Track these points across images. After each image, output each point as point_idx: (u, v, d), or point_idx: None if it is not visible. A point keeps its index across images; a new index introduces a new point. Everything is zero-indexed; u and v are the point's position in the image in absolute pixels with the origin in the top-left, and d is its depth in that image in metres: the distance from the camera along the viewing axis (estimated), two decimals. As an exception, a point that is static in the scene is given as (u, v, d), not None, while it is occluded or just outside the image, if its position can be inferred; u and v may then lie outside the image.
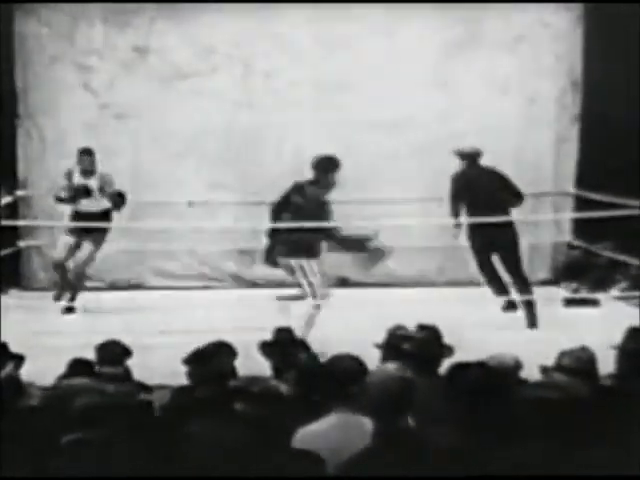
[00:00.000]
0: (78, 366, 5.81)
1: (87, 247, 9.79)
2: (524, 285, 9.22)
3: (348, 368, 4.39)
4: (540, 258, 11.40)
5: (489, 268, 9.36)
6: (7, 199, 10.60)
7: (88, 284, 11.16)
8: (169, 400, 5.04)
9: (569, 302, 10.00)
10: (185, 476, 3.64)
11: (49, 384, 5.67)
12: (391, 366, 5.26)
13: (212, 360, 5.62)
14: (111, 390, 4.82)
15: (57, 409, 4.22)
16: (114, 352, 6.14)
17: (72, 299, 9.86)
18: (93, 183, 9.79)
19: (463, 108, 11.09)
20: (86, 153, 9.81)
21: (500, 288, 9.39)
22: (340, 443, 4.04)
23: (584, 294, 10.25)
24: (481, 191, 9.24)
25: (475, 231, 9.25)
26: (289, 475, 3.61)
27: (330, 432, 4.15)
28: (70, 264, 9.88)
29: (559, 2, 11.08)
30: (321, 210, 8.35)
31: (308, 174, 10.48)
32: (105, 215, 9.89)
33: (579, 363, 5.02)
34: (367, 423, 4.19)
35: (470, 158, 9.38)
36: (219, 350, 5.67)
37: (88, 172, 9.79)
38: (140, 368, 6.19)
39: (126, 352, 6.18)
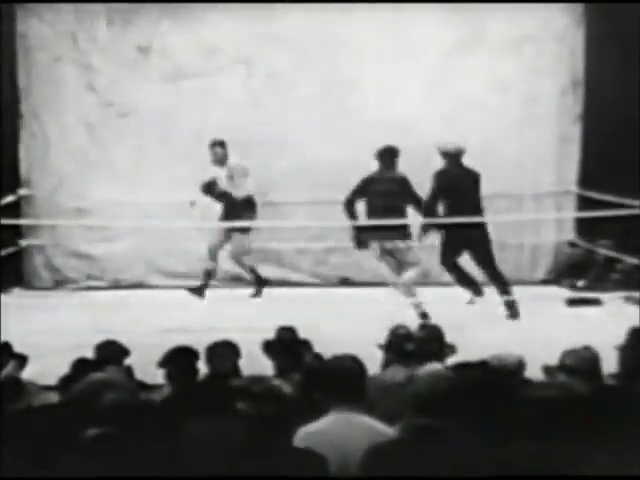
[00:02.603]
0: (82, 365, 5.82)
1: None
2: (500, 281, 9.43)
3: (347, 368, 4.39)
4: (542, 257, 11.41)
5: (456, 266, 9.58)
6: (9, 198, 10.61)
7: (89, 283, 11.21)
8: (170, 399, 5.06)
9: (571, 302, 10.00)
10: (186, 476, 3.64)
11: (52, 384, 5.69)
12: (437, 366, 5.28)
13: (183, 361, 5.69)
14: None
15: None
16: (112, 352, 6.15)
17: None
18: (222, 173, 10.19)
19: (466, 108, 11.09)
20: (218, 145, 10.18)
21: (471, 285, 9.66)
22: (340, 442, 4.05)
23: (586, 293, 10.24)
24: (463, 190, 9.32)
25: (450, 230, 9.33)
26: (292, 474, 3.61)
27: (330, 431, 4.16)
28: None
29: (561, 2, 11.08)
30: None
31: (308, 173, 10.56)
32: (249, 201, 10.19)
33: (582, 363, 5.02)
34: (366, 422, 4.20)
35: (453, 157, 9.45)
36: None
37: (219, 163, 10.20)
38: (141, 367, 6.19)
39: (124, 352, 6.19)
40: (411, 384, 4.23)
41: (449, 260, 9.54)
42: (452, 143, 9.52)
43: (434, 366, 5.41)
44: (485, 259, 9.40)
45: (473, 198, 9.39)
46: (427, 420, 3.84)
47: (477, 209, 9.35)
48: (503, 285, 9.43)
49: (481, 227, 9.33)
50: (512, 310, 9.27)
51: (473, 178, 9.50)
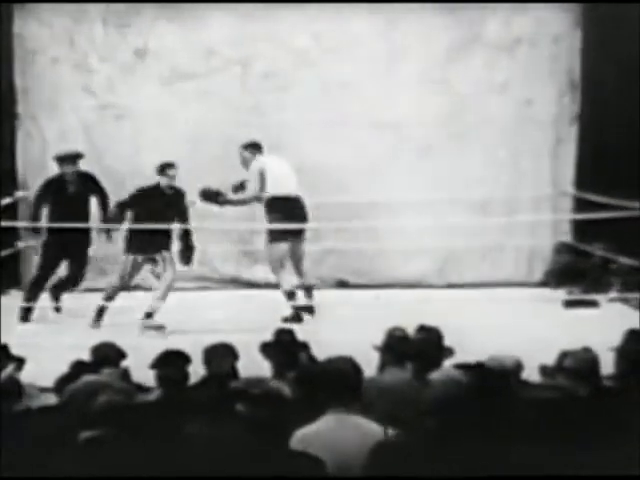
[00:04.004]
0: (79, 367, 5.82)
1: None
2: None
3: (343, 370, 4.40)
4: (539, 259, 11.41)
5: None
6: (7, 200, 10.60)
7: (86, 285, 11.19)
8: (167, 401, 5.06)
9: (569, 303, 10.01)
10: (186, 477, 3.64)
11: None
12: (452, 370, 5.28)
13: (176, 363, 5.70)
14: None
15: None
16: (108, 354, 6.15)
17: None
18: None
19: (462, 109, 11.10)
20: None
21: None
22: (336, 443, 4.06)
23: (583, 295, 10.24)
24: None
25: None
26: (290, 476, 3.62)
27: (326, 433, 4.16)
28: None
29: (558, 2, 11.08)
30: None
31: (306, 174, 10.53)
32: None
33: (582, 364, 5.02)
34: (363, 423, 4.21)
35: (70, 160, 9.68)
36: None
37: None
38: (139, 369, 6.19)
39: (120, 354, 6.19)
40: (427, 388, 4.24)
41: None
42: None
43: (449, 370, 5.38)
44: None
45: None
46: (432, 422, 3.84)
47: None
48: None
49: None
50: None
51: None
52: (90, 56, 11.05)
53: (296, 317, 9.21)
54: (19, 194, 10.98)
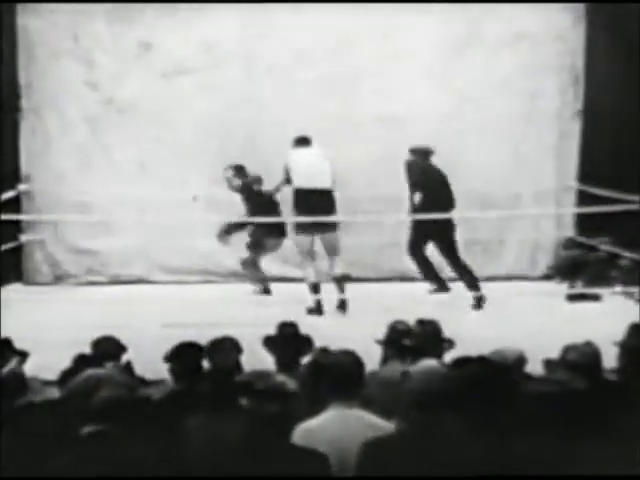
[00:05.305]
0: (82, 361, 5.82)
1: None
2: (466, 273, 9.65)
3: (345, 364, 4.40)
4: (543, 253, 11.42)
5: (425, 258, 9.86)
6: (10, 193, 10.62)
7: (90, 278, 11.22)
8: (172, 395, 5.07)
9: (571, 297, 10.01)
10: (186, 475, 3.64)
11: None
12: (432, 362, 5.28)
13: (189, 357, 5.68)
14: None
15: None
16: (109, 348, 6.15)
17: None
18: None
19: (465, 105, 11.09)
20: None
21: (437, 280, 9.90)
22: (338, 438, 4.07)
23: (586, 289, 10.24)
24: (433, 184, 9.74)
25: (416, 221, 9.70)
26: (294, 473, 3.62)
27: (328, 427, 4.17)
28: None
29: (561, 2, 11.08)
30: None
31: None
32: None
33: (583, 358, 5.02)
34: (365, 417, 4.22)
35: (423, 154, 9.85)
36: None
37: None
38: (141, 363, 6.19)
39: (121, 348, 6.19)
40: (406, 381, 4.24)
41: (418, 251, 9.80)
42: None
43: (428, 362, 5.39)
44: (449, 249, 9.69)
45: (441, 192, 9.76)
46: (424, 415, 3.84)
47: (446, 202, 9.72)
48: (470, 277, 9.63)
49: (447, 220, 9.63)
50: (478, 302, 9.45)
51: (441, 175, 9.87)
52: (93, 50, 11.05)
53: (317, 309, 9.34)
54: (22, 187, 11.00)
